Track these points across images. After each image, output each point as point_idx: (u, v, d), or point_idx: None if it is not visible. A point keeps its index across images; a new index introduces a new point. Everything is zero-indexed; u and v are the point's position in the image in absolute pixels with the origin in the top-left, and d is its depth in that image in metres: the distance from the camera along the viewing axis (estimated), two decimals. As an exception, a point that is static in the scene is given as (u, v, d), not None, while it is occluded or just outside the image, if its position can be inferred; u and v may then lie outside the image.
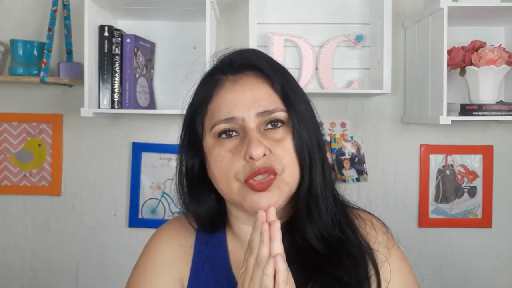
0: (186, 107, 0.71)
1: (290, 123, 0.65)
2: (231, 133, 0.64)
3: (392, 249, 0.70)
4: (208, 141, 0.66)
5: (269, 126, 0.65)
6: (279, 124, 0.65)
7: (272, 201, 0.62)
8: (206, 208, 0.70)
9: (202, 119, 0.67)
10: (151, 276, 0.71)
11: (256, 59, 0.68)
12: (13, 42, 1.55)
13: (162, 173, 1.69)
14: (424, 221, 1.71)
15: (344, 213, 0.71)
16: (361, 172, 1.69)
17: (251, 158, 0.61)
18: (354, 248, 0.66)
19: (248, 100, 0.64)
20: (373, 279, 0.66)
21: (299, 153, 0.64)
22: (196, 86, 0.70)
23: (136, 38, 1.50)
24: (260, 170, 0.61)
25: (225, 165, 0.63)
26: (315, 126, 0.69)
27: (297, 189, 0.66)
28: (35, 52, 1.56)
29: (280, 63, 0.70)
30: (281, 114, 0.65)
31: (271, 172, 0.62)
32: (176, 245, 0.73)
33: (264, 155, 0.62)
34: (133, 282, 0.72)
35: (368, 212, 0.76)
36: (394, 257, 0.70)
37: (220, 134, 0.65)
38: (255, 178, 0.62)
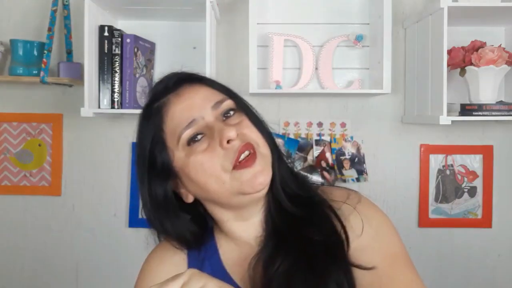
0: (136, 149, 0.72)
1: (240, 108, 0.70)
2: (197, 137, 0.66)
3: (358, 204, 0.72)
4: (179, 157, 0.67)
5: (224, 118, 0.69)
6: (232, 112, 0.69)
7: (265, 173, 0.65)
8: (188, 228, 0.71)
9: (163, 145, 0.68)
10: None
11: (186, 74, 0.74)
12: (13, 42, 1.55)
13: (162, 173, 1.69)
14: (424, 221, 1.71)
15: (310, 189, 0.74)
16: (361, 172, 1.69)
17: (228, 142, 0.64)
18: (319, 209, 0.70)
19: (198, 101, 0.68)
20: (342, 236, 0.68)
21: (258, 128, 0.69)
22: (139, 126, 0.72)
23: (136, 38, 1.50)
24: (242, 148, 0.64)
25: (207, 166, 0.64)
26: (256, 112, 0.74)
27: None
28: (35, 52, 1.56)
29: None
30: (230, 102, 0.70)
31: (251, 147, 0.65)
32: (170, 265, 0.73)
33: (237, 135, 0.65)
34: None
35: (332, 186, 0.79)
36: (359, 211, 0.71)
37: (188, 143, 0.66)
38: (240, 159, 0.64)
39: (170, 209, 0.70)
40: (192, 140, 0.66)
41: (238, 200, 0.67)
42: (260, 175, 0.64)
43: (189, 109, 0.67)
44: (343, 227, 0.68)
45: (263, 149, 0.67)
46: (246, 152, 0.65)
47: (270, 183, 0.68)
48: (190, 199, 0.70)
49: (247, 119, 0.69)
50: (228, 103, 0.69)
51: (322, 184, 0.79)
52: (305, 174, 0.77)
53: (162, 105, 0.69)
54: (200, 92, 0.69)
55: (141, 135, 0.71)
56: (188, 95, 0.69)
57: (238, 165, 0.64)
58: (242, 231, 0.72)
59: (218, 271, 0.70)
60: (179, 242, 0.73)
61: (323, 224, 0.68)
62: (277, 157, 0.71)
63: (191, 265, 0.73)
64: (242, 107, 0.71)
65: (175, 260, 0.74)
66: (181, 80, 0.71)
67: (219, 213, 0.72)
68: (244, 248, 0.71)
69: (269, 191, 0.70)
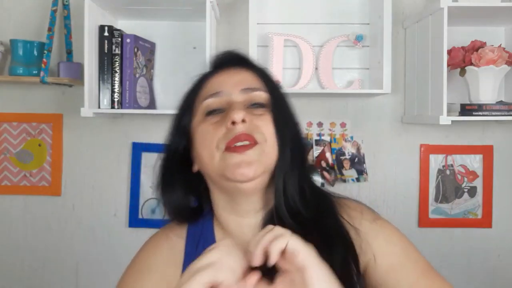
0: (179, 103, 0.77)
1: (270, 106, 0.70)
2: (216, 111, 0.69)
3: (374, 222, 0.73)
4: (196, 121, 0.71)
5: (251, 106, 0.69)
6: (260, 105, 0.70)
7: (252, 168, 0.64)
8: (180, 196, 0.73)
9: (191, 106, 0.73)
10: (137, 277, 0.72)
11: (243, 57, 0.77)
12: (13, 42, 1.55)
13: (162, 173, 1.69)
14: (424, 221, 1.71)
15: (325, 201, 0.73)
16: (361, 172, 1.69)
17: (232, 123, 0.65)
18: (331, 231, 0.68)
19: (234, 80, 0.71)
20: (351, 260, 0.68)
21: (278, 129, 0.68)
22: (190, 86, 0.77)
23: (136, 38, 1.50)
24: (241, 135, 0.64)
25: (207, 138, 0.67)
26: (294, 120, 0.74)
27: (274, 168, 0.68)
28: (35, 52, 1.56)
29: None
30: (263, 94, 0.70)
31: (252, 140, 0.65)
32: (166, 249, 0.74)
33: (244, 121, 0.65)
34: (121, 283, 0.75)
35: (348, 198, 0.77)
36: (377, 231, 0.72)
37: (207, 114, 0.69)
38: (235, 144, 0.64)
39: (174, 165, 0.72)
40: (210, 112, 0.69)
41: (225, 184, 0.67)
42: (245, 165, 0.64)
43: (221, 82, 0.71)
44: (357, 260, 0.68)
45: (268, 148, 0.66)
46: (246, 142, 0.65)
47: (274, 193, 0.68)
48: (195, 168, 0.72)
49: (270, 116, 0.68)
50: (260, 94, 0.70)
51: (322, 184, 0.79)
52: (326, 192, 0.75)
53: (208, 75, 0.74)
54: (241, 74, 0.72)
55: (184, 94, 0.76)
56: (229, 73, 0.72)
57: (230, 148, 0.64)
58: (236, 226, 0.72)
59: None
60: (174, 212, 0.74)
61: (329, 248, 0.66)
62: (290, 168, 0.68)
63: (188, 252, 0.73)
64: (276, 106, 0.70)
65: (171, 246, 0.74)
66: (235, 60, 0.75)
67: (215, 195, 0.73)
68: (240, 246, 0.72)
69: (270, 198, 0.70)
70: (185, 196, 0.73)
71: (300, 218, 0.68)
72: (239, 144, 0.64)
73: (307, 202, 0.70)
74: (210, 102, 0.69)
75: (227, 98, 0.69)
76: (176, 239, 0.74)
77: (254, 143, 0.65)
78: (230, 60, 0.75)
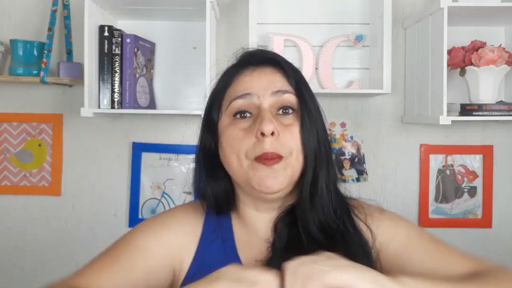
0: (208, 95, 0.76)
1: (299, 112, 0.69)
2: (245, 114, 0.69)
3: (381, 218, 0.75)
4: (224, 121, 0.71)
5: (280, 112, 0.69)
6: (290, 111, 0.69)
7: (278, 181, 0.66)
8: (221, 186, 0.74)
9: (220, 103, 0.72)
10: (155, 230, 0.73)
11: (275, 56, 0.75)
12: (13, 42, 1.55)
13: (162, 173, 1.69)
14: (424, 221, 1.71)
15: (346, 209, 0.74)
16: (361, 172, 1.69)
17: (261, 134, 0.65)
18: (353, 243, 0.69)
19: (265, 82, 0.70)
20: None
21: (305, 141, 0.68)
22: (219, 76, 0.76)
23: (136, 38, 1.50)
24: (268, 154, 0.65)
25: (237, 143, 0.67)
26: (323, 126, 0.72)
27: (300, 177, 0.69)
28: (35, 52, 1.56)
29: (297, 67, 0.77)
30: (293, 98, 0.70)
31: (277, 157, 0.66)
32: (187, 219, 0.75)
33: (273, 134, 0.65)
34: (140, 228, 0.74)
35: (356, 199, 0.79)
36: (385, 224, 0.75)
37: (235, 114, 0.69)
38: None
39: (212, 160, 0.73)
40: (239, 114, 0.69)
41: (249, 190, 0.69)
42: (272, 178, 0.66)
43: (252, 84, 0.70)
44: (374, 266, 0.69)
45: (294, 160, 0.67)
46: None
47: (301, 204, 0.69)
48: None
49: (298, 126, 0.68)
50: (290, 97, 0.69)
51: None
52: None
53: (238, 70, 0.73)
54: (272, 75, 0.71)
55: (212, 89, 0.76)
56: (260, 74, 0.71)
57: (259, 157, 0.65)
58: (254, 219, 0.74)
59: (228, 247, 0.73)
60: (210, 198, 0.74)
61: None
62: (321, 176, 0.69)
63: (204, 233, 0.74)
64: (304, 112, 0.69)
65: (192, 221, 0.75)
66: (267, 59, 0.73)
67: (239, 192, 0.74)
68: (256, 237, 0.73)
69: (294, 201, 0.71)
70: (230, 184, 0.75)
71: (327, 230, 0.69)
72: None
73: (333, 213, 0.70)
74: (239, 104, 0.69)
75: (256, 101, 0.68)
76: (197, 218, 0.76)
77: (280, 160, 0.66)
78: (261, 59, 0.73)
